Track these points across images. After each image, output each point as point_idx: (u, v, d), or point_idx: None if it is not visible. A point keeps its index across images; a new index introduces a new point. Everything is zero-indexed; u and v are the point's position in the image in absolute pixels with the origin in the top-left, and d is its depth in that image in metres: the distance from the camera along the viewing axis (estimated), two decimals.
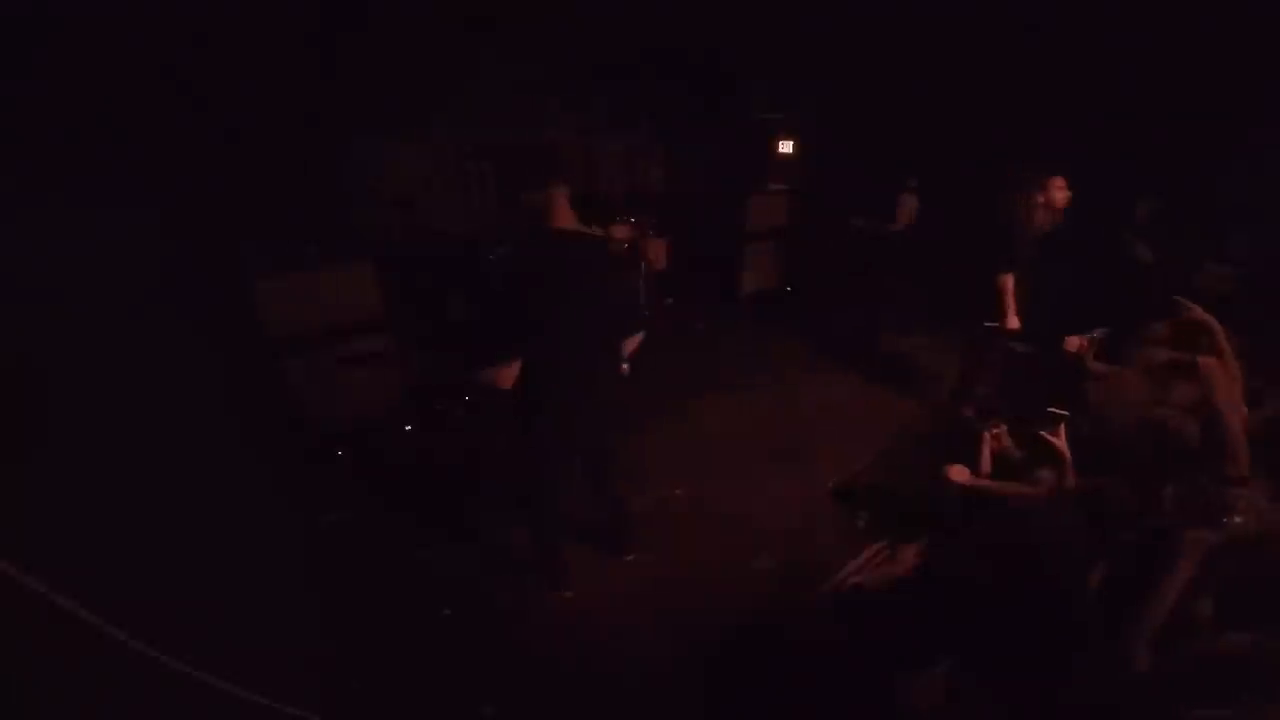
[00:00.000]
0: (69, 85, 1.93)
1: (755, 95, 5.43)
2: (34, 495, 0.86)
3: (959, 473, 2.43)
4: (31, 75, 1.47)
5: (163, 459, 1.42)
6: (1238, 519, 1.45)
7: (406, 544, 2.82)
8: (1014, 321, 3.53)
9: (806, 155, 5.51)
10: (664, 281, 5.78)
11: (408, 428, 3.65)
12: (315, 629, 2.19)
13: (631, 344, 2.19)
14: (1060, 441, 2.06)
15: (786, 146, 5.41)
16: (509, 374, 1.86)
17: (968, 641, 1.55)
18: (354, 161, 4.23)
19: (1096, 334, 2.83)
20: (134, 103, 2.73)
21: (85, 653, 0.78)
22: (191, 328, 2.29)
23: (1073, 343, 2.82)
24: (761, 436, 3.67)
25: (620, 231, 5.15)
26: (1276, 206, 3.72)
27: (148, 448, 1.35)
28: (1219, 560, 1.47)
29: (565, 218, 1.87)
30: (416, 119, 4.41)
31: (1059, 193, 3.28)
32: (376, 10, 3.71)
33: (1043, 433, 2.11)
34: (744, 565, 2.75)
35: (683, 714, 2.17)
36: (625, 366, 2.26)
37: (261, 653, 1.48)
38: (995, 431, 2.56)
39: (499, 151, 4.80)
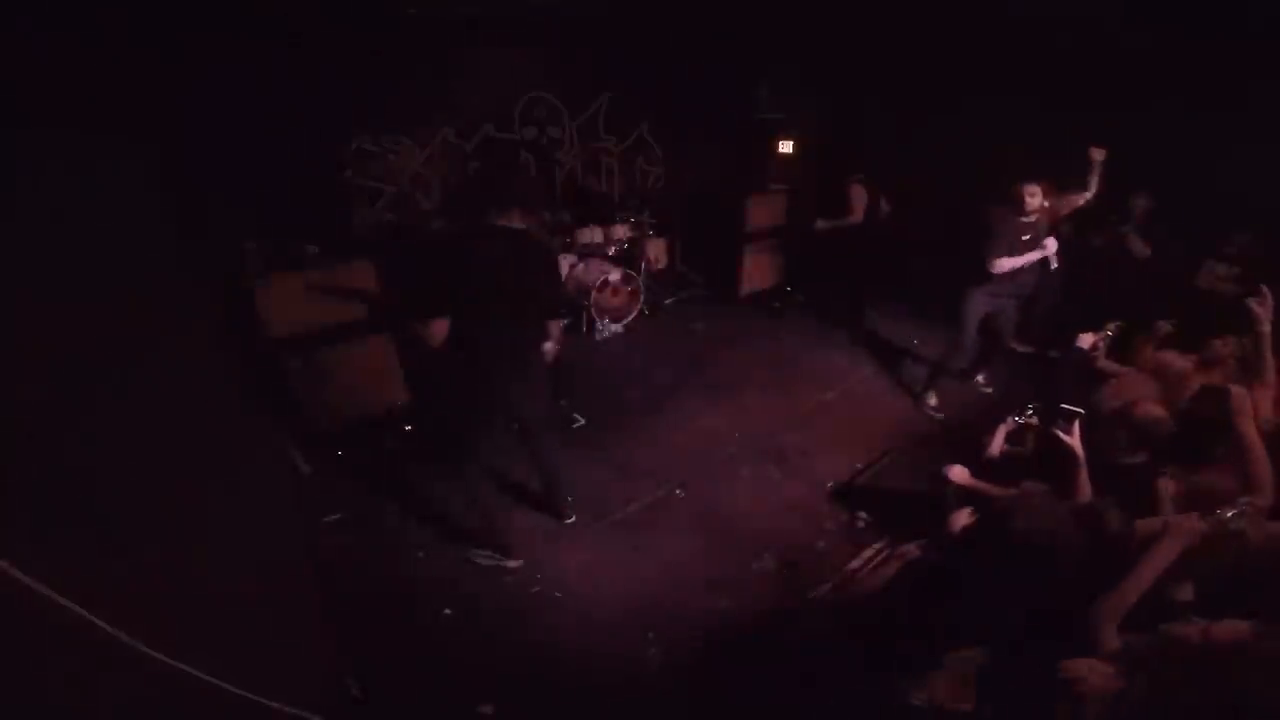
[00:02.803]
0: (70, 83, 1.93)
1: (755, 95, 5.42)
2: (33, 495, 0.86)
3: (958, 473, 2.43)
4: (31, 72, 1.47)
5: (161, 458, 1.42)
6: (1230, 513, 1.44)
7: (406, 544, 2.83)
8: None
9: (806, 155, 5.51)
10: (664, 281, 5.79)
11: (408, 428, 3.65)
12: (315, 629, 2.19)
13: (555, 328, 2.49)
14: (1074, 439, 2.05)
15: (786, 146, 5.41)
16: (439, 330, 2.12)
17: (967, 640, 1.55)
18: (354, 161, 4.24)
19: (1110, 329, 2.81)
20: (134, 102, 2.74)
21: (85, 653, 0.78)
22: (191, 327, 2.29)
23: (1086, 340, 2.78)
24: (761, 436, 3.67)
25: (620, 231, 5.15)
26: (1277, 206, 3.71)
27: (145, 447, 1.35)
28: (1205, 549, 1.45)
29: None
30: (417, 119, 4.42)
31: (1031, 199, 3.26)
32: (377, 10, 3.71)
33: (1056, 430, 2.09)
34: (744, 565, 2.75)
35: (682, 714, 2.17)
36: (550, 346, 2.53)
37: (262, 653, 1.48)
38: (1026, 419, 2.45)
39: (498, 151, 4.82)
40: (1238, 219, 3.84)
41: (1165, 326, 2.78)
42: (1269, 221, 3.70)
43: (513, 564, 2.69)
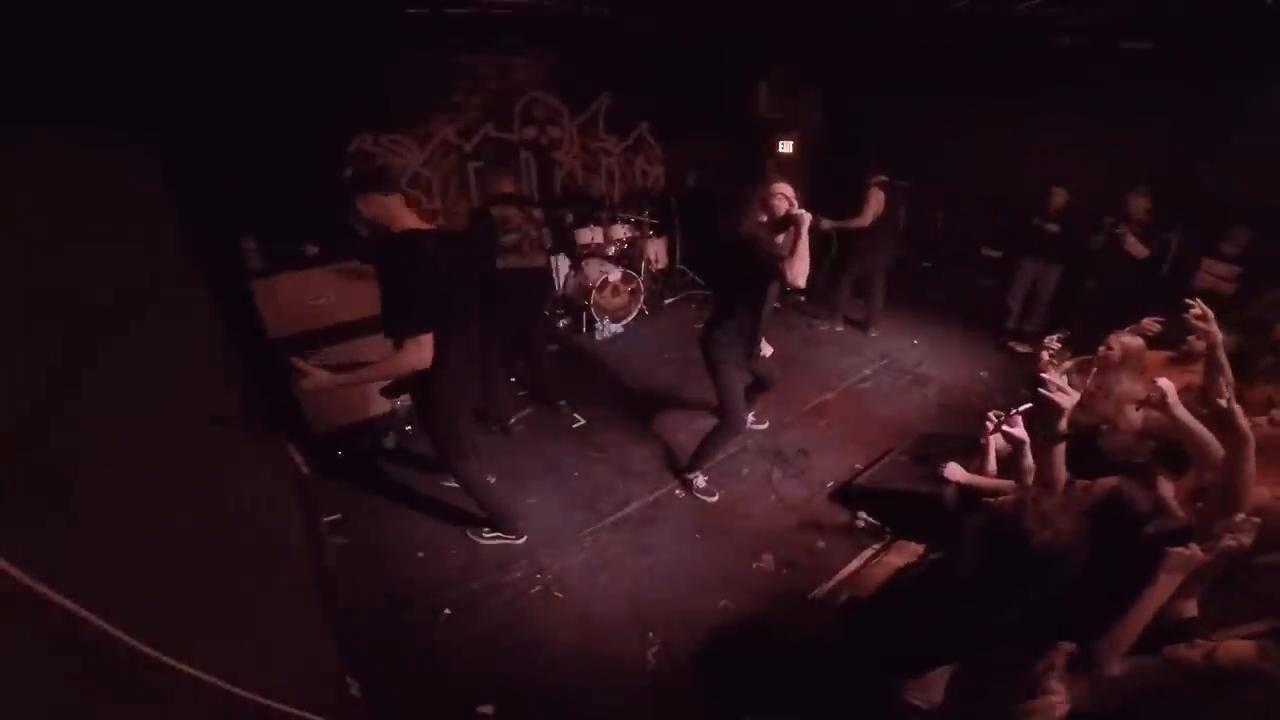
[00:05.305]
0: (69, 83, 1.93)
1: (755, 95, 5.42)
2: (32, 493, 0.86)
3: (955, 471, 2.42)
4: (31, 72, 1.47)
5: (160, 458, 1.42)
6: (1229, 539, 1.42)
7: (406, 544, 2.83)
8: None
9: (806, 155, 5.51)
10: (664, 281, 5.79)
11: (408, 428, 3.65)
12: (315, 629, 2.19)
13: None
14: (1018, 430, 2.09)
15: (786, 146, 5.41)
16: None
17: (967, 640, 1.55)
18: (354, 161, 4.24)
19: (1056, 341, 2.66)
20: (134, 101, 2.73)
21: (85, 653, 0.78)
22: (191, 326, 2.29)
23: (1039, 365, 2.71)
24: (761, 437, 3.67)
25: (620, 231, 5.15)
26: (1276, 205, 3.71)
27: (145, 447, 1.35)
28: (1210, 570, 1.44)
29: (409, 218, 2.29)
30: (417, 119, 4.42)
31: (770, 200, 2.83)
32: (377, 11, 3.71)
33: (1001, 419, 2.14)
34: (744, 565, 2.75)
35: (682, 714, 2.17)
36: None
37: (262, 653, 1.48)
38: (993, 424, 2.50)
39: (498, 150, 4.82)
40: (1238, 219, 3.83)
41: (1154, 326, 2.74)
42: (1269, 221, 3.70)
43: (519, 540, 2.76)
